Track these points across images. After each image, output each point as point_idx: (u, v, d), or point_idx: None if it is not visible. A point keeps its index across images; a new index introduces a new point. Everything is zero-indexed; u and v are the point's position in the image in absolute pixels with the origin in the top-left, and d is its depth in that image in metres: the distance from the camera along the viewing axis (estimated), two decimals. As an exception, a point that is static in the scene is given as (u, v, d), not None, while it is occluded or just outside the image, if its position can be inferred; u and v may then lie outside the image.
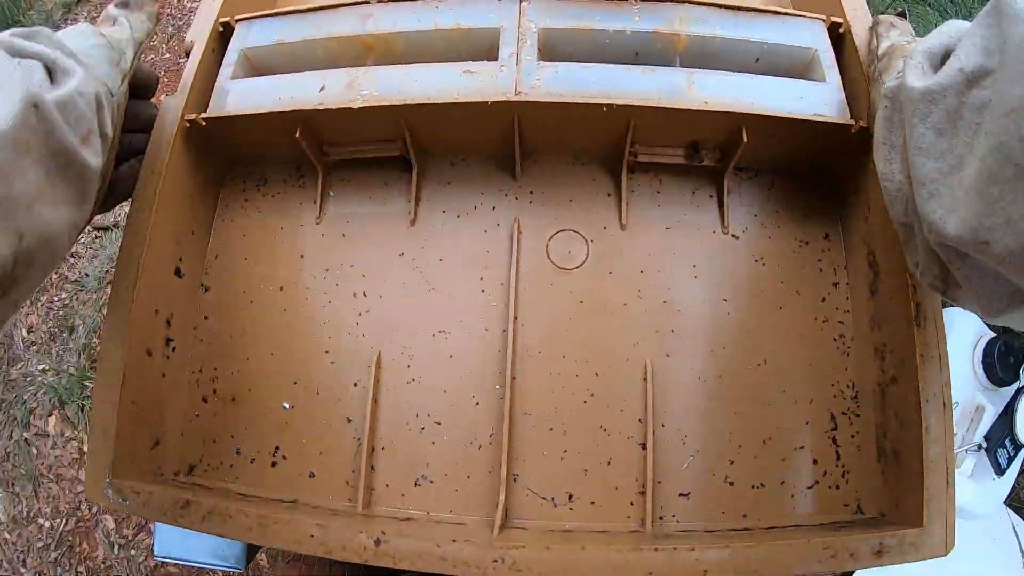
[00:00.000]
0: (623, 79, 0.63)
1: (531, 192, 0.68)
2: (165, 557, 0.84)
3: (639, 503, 0.61)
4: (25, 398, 1.37)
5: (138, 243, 0.62)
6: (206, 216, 0.71)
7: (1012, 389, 1.06)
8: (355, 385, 0.64)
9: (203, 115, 0.65)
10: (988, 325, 1.12)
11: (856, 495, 0.63)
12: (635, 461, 0.61)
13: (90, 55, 0.51)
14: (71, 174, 0.45)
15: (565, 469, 0.61)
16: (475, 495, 0.61)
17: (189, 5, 1.75)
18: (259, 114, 0.64)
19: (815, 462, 0.63)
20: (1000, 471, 1.00)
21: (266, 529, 0.54)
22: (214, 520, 0.55)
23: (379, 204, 0.70)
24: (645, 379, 0.63)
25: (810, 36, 0.67)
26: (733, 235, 0.67)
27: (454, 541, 0.52)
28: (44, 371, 1.38)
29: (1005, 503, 1.09)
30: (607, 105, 0.60)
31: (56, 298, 1.46)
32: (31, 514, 1.28)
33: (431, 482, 0.62)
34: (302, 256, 0.69)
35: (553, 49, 0.67)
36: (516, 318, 0.64)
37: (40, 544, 1.24)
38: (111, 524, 1.27)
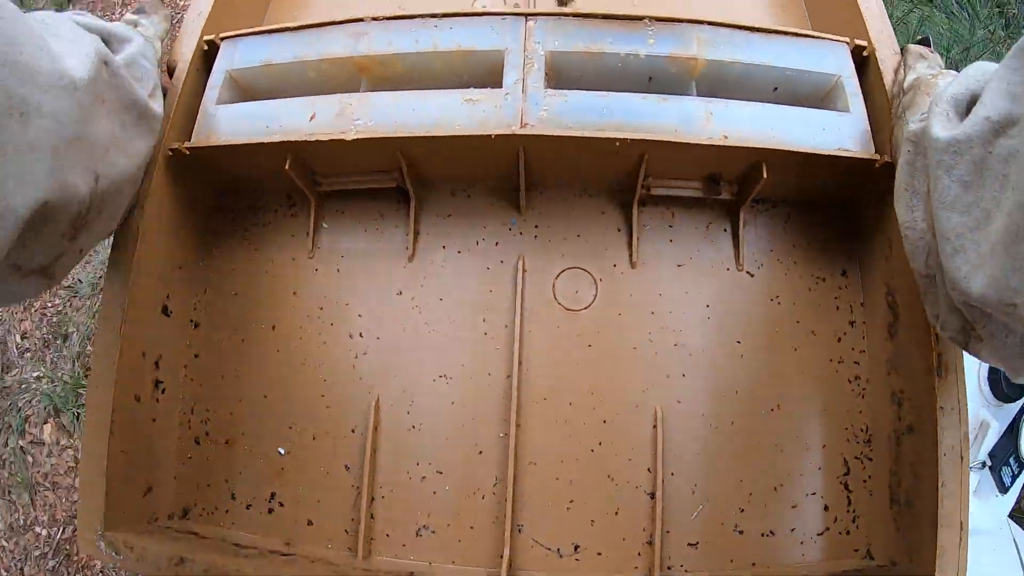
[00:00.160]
0: (637, 109, 0.59)
1: (536, 226, 0.65)
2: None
3: (647, 553, 0.59)
4: (20, 405, 1.35)
5: (122, 283, 0.59)
6: (194, 248, 0.67)
7: (1017, 406, 1.05)
8: (353, 431, 0.62)
9: (187, 144, 0.61)
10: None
11: (867, 540, 0.62)
12: (643, 511, 0.60)
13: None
14: (143, 125, 0.51)
15: (571, 519, 0.60)
16: (479, 546, 0.59)
17: (182, 3, 1.67)
18: (246, 144, 0.60)
19: (826, 508, 0.62)
20: (1004, 489, 1.00)
21: (263, 590, 0.52)
22: (209, 579, 0.53)
23: (375, 238, 0.66)
24: (655, 426, 0.60)
25: (833, 60, 0.63)
26: (748, 272, 0.64)
27: (458, 603, 0.50)
28: (39, 378, 1.36)
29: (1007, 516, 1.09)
30: (620, 140, 0.56)
31: (49, 304, 1.42)
32: (28, 522, 1.27)
33: (433, 532, 0.60)
34: (295, 293, 0.66)
35: (561, 73, 0.63)
36: (521, 363, 0.61)
37: (38, 552, 1.24)
38: (109, 530, 1.25)
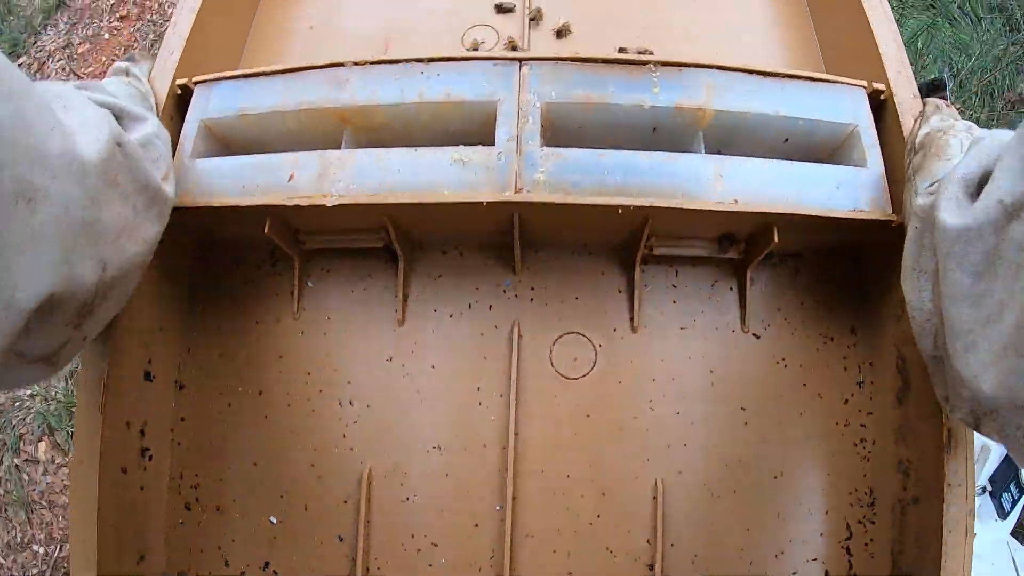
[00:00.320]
0: (641, 168, 0.55)
1: (532, 287, 0.62)
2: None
3: (646, 625, 0.58)
4: (15, 423, 1.34)
5: (101, 353, 0.56)
6: (175, 309, 0.64)
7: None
8: (345, 503, 0.60)
9: (160, 205, 0.57)
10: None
11: (868, 603, 0.61)
12: (642, 582, 0.59)
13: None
14: (155, 209, 0.48)
15: (569, 592, 0.59)
16: (475, 619, 0.58)
17: (170, 11, 1.57)
18: (222, 207, 0.56)
19: (826, 574, 0.61)
20: (1004, 515, 1.00)
21: None
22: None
23: (363, 299, 0.63)
24: (655, 498, 0.59)
25: (850, 106, 0.59)
26: (754, 334, 0.62)
27: None
28: (32, 396, 1.34)
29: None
30: (623, 207, 0.53)
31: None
32: (25, 540, 1.27)
33: (429, 605, 0.59)
34: (281, 357, 0.63)
35: (558, 124, 0.59)
36: (517, 433, 0.59)
37: (36, 571, 1.25)
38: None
